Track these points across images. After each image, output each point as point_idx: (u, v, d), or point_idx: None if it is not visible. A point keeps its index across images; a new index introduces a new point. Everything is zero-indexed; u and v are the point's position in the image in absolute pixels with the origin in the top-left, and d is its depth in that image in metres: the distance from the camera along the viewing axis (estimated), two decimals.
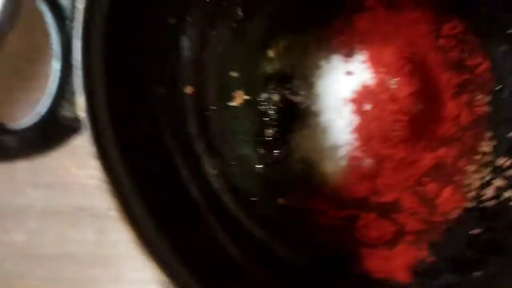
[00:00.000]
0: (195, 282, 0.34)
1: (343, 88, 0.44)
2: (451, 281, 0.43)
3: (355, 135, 0.44)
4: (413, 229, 0.45)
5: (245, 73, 0.46)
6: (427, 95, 0.44)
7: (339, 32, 0.46)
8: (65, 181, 0.52)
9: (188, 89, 0.44)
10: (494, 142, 0.46)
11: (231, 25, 0.46)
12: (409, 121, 0.43)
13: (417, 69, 0.43)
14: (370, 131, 0.43)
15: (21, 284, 0.51)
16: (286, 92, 0.46)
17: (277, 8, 0.46)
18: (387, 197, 0.45)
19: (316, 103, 0.46)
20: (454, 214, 0.45)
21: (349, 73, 0.44)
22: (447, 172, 0.45)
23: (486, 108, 0.46)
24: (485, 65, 0.46)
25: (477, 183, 0.46)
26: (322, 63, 0.46)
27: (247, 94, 0.46)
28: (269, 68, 0.47)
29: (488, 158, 0.46)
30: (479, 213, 0.45)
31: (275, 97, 0.47)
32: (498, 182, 0.45)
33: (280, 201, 0.46)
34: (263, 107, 0.47)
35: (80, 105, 0.32)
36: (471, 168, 0.46)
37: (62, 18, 0.33)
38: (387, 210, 0.45)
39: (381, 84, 0.43)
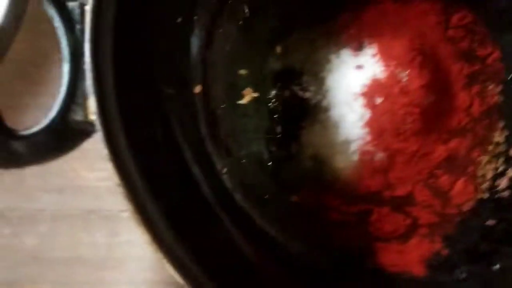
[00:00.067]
0: (210, 282, 0.34)
1: (354, 82, 0.44)
2: (466, 274, 0.43)
3: (367, 129, 0.44)
4: (427, 222, 0.45)
5: (253, 71, 0.46)
6: (438, 87, 0.43)
7: (347, 26, 0.46)
8: (75, 184, 0.52)
9: (197, 89, 0.44)
10: (506, 132, 0.46)
11: (238, 23, 0.45)
12: (420, 114, 0.42)
13: (427, 61, 0.43)
14: (382, 125, 0.43)
15: None
16: (296, 88, 0.46)
17: (284, 4, 0.46)
18: (400, 191, 0.45)
19: (326, 98, 0.45)
20: (468, 206, 0.45)
21: (359, 67, 0.44)
22: (460, 164, 0.45)
23: (497, 98, 0.46)
24: (496, 55, 0.45)
25: (490, 174, 0.45)
26: (332, 57, 0.46)
27: (256, 91, 0.46)
28: (278, 65, 0.46)
29: (501, 148, 0.46)
30: (493, 204, 0.45)
31: (285, 94, 0.46)
32: None
33: (293, 198, 0.46)
34: (272, 104, 0.46)
35: (91, 108, 0.32)
36: (484, 159, 0.45)
37: (70, 21, 0.33)
38: (400, 204, 0.45)
39: (392, 77, 0.42)
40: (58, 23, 0.32)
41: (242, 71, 0.46)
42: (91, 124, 0.32)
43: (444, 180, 0.45)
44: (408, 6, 0.45)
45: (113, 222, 0.51)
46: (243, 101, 0.46)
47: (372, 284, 0.44)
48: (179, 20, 0.43)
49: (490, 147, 0.46)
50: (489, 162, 0.46)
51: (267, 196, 0.45)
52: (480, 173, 0.45)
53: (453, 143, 0.45)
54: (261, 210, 0.45)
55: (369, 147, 0.44)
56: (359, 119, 0.44)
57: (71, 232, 0.51)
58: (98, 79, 0.32)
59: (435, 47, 0.45)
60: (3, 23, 0.30)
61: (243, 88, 0.46)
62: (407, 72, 0.42)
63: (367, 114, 0.43)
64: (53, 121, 0.34)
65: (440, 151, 0.44)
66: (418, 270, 0.43)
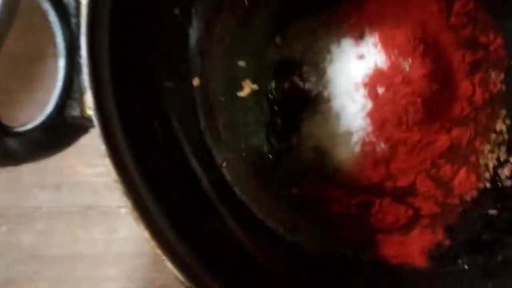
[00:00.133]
0: (210, 278, 0.34)
1: (355, 72, 0.43)
2: (468, 265, 0.43)
3: (368, 120, 0.43)
4: (429, 212, 0.45)
5: (253, 62, 0.45)
6: (440, 76, 0.43)
7: (348, 15, 0.45)
8: (72, 180, 0.51)
9: (196, 81, 0.44)
10: (509, 121, 0.46)
11: (237, 13, 0.45)
12: (423, 103, 0.42)
13: (429, 49, 0.43)
14: (384, 115, 0.43)
15: (31, 286, 0.51)
16: (296, 79, 0.46)
17: None
18: (402, 182, 0.45)
19: (327, 89, 0.45)
20: (470, 196, 0.45)
21: (360, 56, 0.44)
22: (462, 153, 0.45)
23: (500, 86, 0.45)
24: (498, 42, 0.45)
25: (492, 163, 0.45)
26: (332, 47, 0.45)
27: (255, 83, 0.45)
28: (278, 56, 0.46)
29: (503, 137, 0.46)
30: (495, 194, 0.45)
31: (285, 85, 0.46)
32: None
33: (294, 190, 0.45)
34: (272, 95, 0.46)
35: (87, 103, 0.31)
36: (487, 147, 0.45)
37: (65, 15, 0.32)
38: (402, 195, 0.45)
39: (394, 67, 0.42)
40: (53, 17, 0.32)
41: (241, 63, 0.45)
42: (88, 119, 0.32)
43: (446, 170, 0.45)
44: None
45: (111, 218, 0.51)
46: (243, 93, 0.45)
47: (374, 275, 0.44)
48: (177, 12, 0.42)
49: (493, 136, 0.45)
50: (491, 151, 0.45)
51: (267, 189, 0.45)
52: (482, 162, 0.45)
53: (455, 132, 0.44)
54: (261, 203, 0.44)
55: (371, 138, 0.44)
56: (361, 109, 0.43)
57: (68, 229, 0.51)
58: (94, 73, 0.31)
59: (437, 35, 0.44)
60: None
61: (243, 80, 0.45)
62: (409, 61, 0.42)
63: (369, 104, 0.43)
64: (49, 117, 0.33)
65: (443, 141, 0.44)
66: (420, 261, 0.43)
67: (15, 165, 0.34)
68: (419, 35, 0.43)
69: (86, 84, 0.31)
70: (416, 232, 0.44)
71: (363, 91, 0.43)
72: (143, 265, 0.50)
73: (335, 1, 0.45)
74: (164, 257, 0.32)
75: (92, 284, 0.51)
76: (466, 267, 0.43)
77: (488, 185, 0.45)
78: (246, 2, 0.45)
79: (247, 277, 0.39)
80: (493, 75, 0.45)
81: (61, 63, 0.32)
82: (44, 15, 0.32)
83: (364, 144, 0.44)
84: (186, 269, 0.33)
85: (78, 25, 0.31)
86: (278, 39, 0.46)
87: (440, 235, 0.44)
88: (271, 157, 0.46)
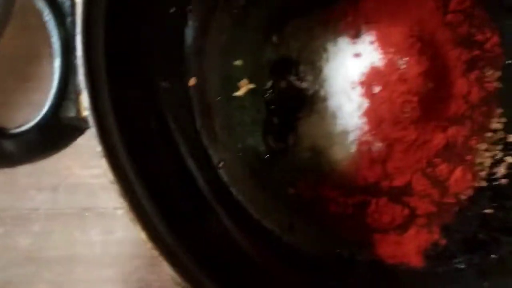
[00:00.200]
0: (207, 278, 0.34)
1: (351, 70, 0.43)
2: (463, 264, 0.43)
3: (365, 119, 0.43)
4: (425, 212, 0.45)
5: (249, 61, 0.45)
6: (436, 74, 0.43)
7: (345, 13, 0.45)
8: (68, 182, 0.51)
9: (192, 81, 0.44)
10: (504, 119, 0.45)
11: (233, 12, 0.45)
12: (419, 102, 0.42)
13: (426, 47, 0.42)
14: (380, 114, 0.43)
15: None
16: (292, 78, 0.46)
17: None
18: (398, 181, 0.45)
19: (323, 88, 0.45)
20: (466, 195, 0.45)
21: (357, 55, 0.44)
22: (458, 152, 0.45)
23: (496, 84, 0.45)
24: (494, 40, 0.45)
25: (488, 162, 0.45)
26: (329, 46, 0.45)
27: (252, 82, 0.45)
28: (274, 55, 0.46)
29: (499, 135, 0.45)
30: (491, 192, 0.45)
31: (281, 84, 0.46)
32: (510, 159, 0.45)
33: (291, 190, 0.45)
34: (269, 95, 0.46)
35: (83, 103, 0.31)
36: (482, 146, 0.45)
37: (61, 15, 0.32)
38: (398, 194, 0.45)
39: (390, 65, 0.42)
40: (48, 16, 0.32)
41: (238, 62, 0.45)
42: (84, 120, 0.32)
43: (442, 168, 0.45)
44: None
45: (107, 220, 0.51)
46: (239, 92, 0.45)
47: (370, 275, 0.44)
48: (173, 10, 0.42)
49: (488, 134, 0.45)
50: (487, 149, 0.45)
51: (264, 189, 0.45)
52: (478, 161, 0.45)
53: (451, 131, 0.44)
54: (258, 203, 0.44)
55: (367, 137, 0.44)
56: (357, 108, 0.43)
57: (65, 231, 0.51)
58: (90, 73, 0.31)
59: (434, 33, 0.44)
60: None
61: (239, 80, 0.45)
62: (405, 59, 0.42)
63: (365, 103, 0.43)
64: (45, 118, 0.33)
65: (439, 139, 0.44)
66: (416, 260, 0.43)
67: (12, 167, 0.34)
68: (415, 33, 0.43)
69: (82, 85, 0.31)
70: (412, 231, 0.44)
71: (359, 90, 0.43)
72: (140, 266, 0.50)
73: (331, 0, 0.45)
74: (160, 257, 0.32)
75: (90, 286, 0.51)
76: (462, 266, 0.43)
77: (484, 184, 0.45)
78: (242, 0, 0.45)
79: (244, 277, 0.39)
80: (489, 73, 0.45)
81: (57, 63, 0.32)
82: (39, 15, 0.32)
83: (360, 143, 0.44)
84: (183, 269, 0.33)
85: (73, 24, 0.30)
86: (274, 38, 0.46)
87: (436, 235, 0.44)
88: (267, 157, 0.46)
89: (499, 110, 0.45)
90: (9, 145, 0.33)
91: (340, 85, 0.44)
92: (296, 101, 0.46)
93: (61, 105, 0.33)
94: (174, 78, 0.42)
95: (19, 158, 0.34)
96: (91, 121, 0.31)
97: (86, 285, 0.51)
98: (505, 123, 0.45)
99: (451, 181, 0.45)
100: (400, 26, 0.43)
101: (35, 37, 0.49)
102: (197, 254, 0.34)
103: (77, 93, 0.31)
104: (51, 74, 0.32)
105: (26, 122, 0.33)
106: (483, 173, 0.45)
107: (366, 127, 0.43)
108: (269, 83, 0.46)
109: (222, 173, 0.44)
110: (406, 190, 0.45)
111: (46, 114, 0.33)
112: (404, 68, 0.42)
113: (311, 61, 0.45)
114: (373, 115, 0.43)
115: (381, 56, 0.42)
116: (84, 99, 0.31)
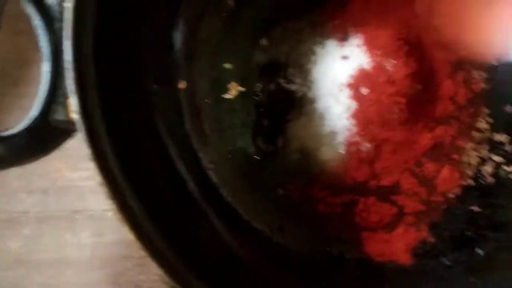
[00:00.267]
0: (196, 279, 0.34)
1: (339, 73, 0.44)
2: (451, 262, 0.44)
3: (353, 121, 0.44)
4: (413, 210, 0.45)
5: (238, 64, 0.45)
6: (424, 76, 0.43)
7: (332, 16, 0.45)
8: (58, 185, 0.51)
9: (182, 84, 0.44)
10: (491, 119, 0.46)
11: (222, 15, 0.45)
12: (407, 103, 0.42)
13: (413, 49, 0.43)
14: (368, 116, 0.43)
15: None
16: (281, 81, 0.46)
17: None
18: (386, 180, 0.45)
19: (312, 90, 0.45)
20: (454, 193, 0.45)
21: (344, 57, 0.44)
22: (446, 152, 0.45)
23: (482, 85, 0.46)
24: None
25: (475, 161, 0.46)
26: (317, 48, 0.45)
27: (241, 85, 0.45)
28: (263, 58, 0.46)
29: (485, 135, 0.46)
30: (478, 191, 0.45)
31: (270, 87, 0.46)
32: (496, 158, 0.45)
33: (280, 192, 0.45)
34: (258, 97, 0.46)
35: (72, 106, 0.31)
36: (470, 145, 0.46)
37: (50, 19, 0.32)
38: (386, 193, 0.45)
39: (378, 67, 0.42)
40: (37, 21, 0.32)
41: (227, 65, 0.45)
42: (72, 123, 0.31)
43: (430, 168, 0.45)
44: None
45: (98, 222, 0.51)
46: (229, 95, 0.45)
47: (359, 273, 0.44)
48: (162, 14, 0.42)
49: (475, 134, 0.46)
50: (474, 148, 0.46)
51: (253, 190, 0.45)
52: (465, 160, 0.46)
53: (439, 131, 0.45)
54: (247, 204, 0.45)
55: (356, 138, 0.44)
56: (345, 110, 0.44)
57: (56, 234, 0.51)
58: (78, 77, 0.31)
59: (421, 35, 0.44)
60: None
61: (229, 82, 0.45)
62: (393, 61, 0.42)
63: (353, 105, 0.43)
64: (34, 121, 0.33)
65: (426, 140, 0.45)
66: (405, 258, 0.44)
67: (1, 170, 0.34)
68: (403, 35, 0.43)
69: (71, 88, 0.30)
70: (400, 230, 0.44)
71: (347, 92, 0.43)
72: (130, 268, 0.50)
73: (319, 2, 0.46)
74: (149, 258, 0.32)
75: None
76: (450, 263, 0.44)
77: (471, 182, 0.45)
78: (232, 3, 0.45)
79: (233, 277, 0.39)
80: (475, 74, 0.46)
81: (46, 67, 0.32)
82: (30, 20, 0.32)
83: (348, 144, 0.44)
84: (171, 270, 0.32)
85: (62, 29, 0.30)
86: (263, 41, 0.46)
87: (424, 233, 0.44)
88: (257, 158, 0.46)
89: (486, 111, 0.46)
90: None
91: (328, 87, 0.44)
92: (285, 103, 0.46)
93: (50, 108, 0.33)
94: (163, 81, 0.42)
95: (9, 160, 0.33)
96: (79, 124, 0.31)
97: (77, 287, 0.51)
98: (491, 123, 0.46)
99: (439, 180, 0.45)
100: (387, 29, 0.43)
101: (26, 42, 0.48)
102: (186, 255, 0.34)
103: (66, 97, 0.31)
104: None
105: (16, 125, 0.33)
106: (470, 172, 0.46)
107: (355, 129, 0.44)
108: (259, 86, 0.46)
109: (212, 175, 0.44)
110: (394, 189, 0.45)
111: (35, 117, 0.33)
112: (392, 70, 0.42)
113: (300, 64, 0.46)
114: (361, 117, 0.43)
115: (369, 59, 0.43)
116: (73, 102, 0.31)
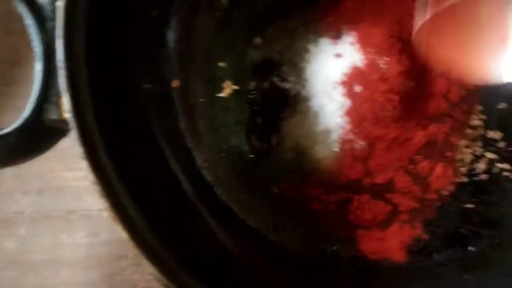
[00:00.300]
0: (190, 277, 0.34)
1: (333, 71, 0.44)
2: (445, 259, 0.44)
3: (347, 118, 0.44)
4: (407, 208, 0.45)
5: (232, 63, 0.45)
6: (417, 73, 0.43)
7: (326, 14, 0.45)
8: (53, 185, 0.51)
9: (175, 83, 0.44)
10: (484, 116, 0.46)
11: (215, 14, 0.45)
12: (400, 101, 0.42)
13: (406, 47, 0.43)
14: (362, 113, 0.43)
15: None
16: (275, 79, 0.46)
17: None
18: (380, 178, 0.45)
19: (305, 88, 0.45)
20: (447, 190, 0.45)
21: (338, 55, 0.44)
22: (439, 149, 0.45)
23: None
24: None
25: (469, 158, 0.46)
26: (310, 46, 0.45)
27: (235, 84, 0.45)
28: (257, 56, 0.46)
29: (479, 132, 0.46)
30: (471, 188, 0.46)
31: (264, 85, 0.46)
32: (490, 155, 0.46)
33: (274, 190, 0.45)
34: (252, 96, 0.46)
35: (65, 106, 0.31)
36: (463, 143, 0.46)
37: (42, 18, 0.32)
38: (380, 191, 0.45)
39: (371, 65, 0.42)
40: (29, 20, 0.31)
41: (221, 64, 0.45)
42: (66, 122, 0.31)
43: (423, 165, 0.45)
44: None
45: (93, 222, 0.51)
46: (223, 94, 0.45)
47: (354, 271, 0.44)
48: (155, 13, 0.42)
49: (469, 131, 0.46)
50: (467, 146, 0.46)
51: (248, 189, 0.45)
52: (458, 157, 0.46)
53: (432, 128, 0.45)
54: (242, 203, 0.45)
55: (350, 136, 0.44)
56: (339, 108, 0.44)
57: (51, 234, 0.51)
58: (71, 76, 0.31)
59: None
60: None
61: (223, 81, 0.45)
62: (386, 59, 0.42)
63: (347, 103, 0.43)
64: (27, 120, 0.33)
65: (420, 137, 0.45)
66: (399, 256, 0.44)
67: None
68: (396, 33, 0.43)
69: (63, 87, 0.30)
70: (395, 227, 0.45)
71: (341, 90, 0.43)
72: (125, 268, 0.50)
73: (313, 0, 0.46)
74: (142, 256, 0.32)
75: None
76: (444, 260, 0.44)
77: (465, 179, 0.46)
78: (225, 1, 0.45)
79: (228, 276, 0.39)
80: None
81: (38, 66, 0.32)
82: (21, 19, 0.32)
83: (342, 142, 0.44)
84: (165, 269, 0.32)
85: (54, 28, 0.30)
86: (257, 40, 0.46)
87: (419, 230, 0.45)
88: (251, 157, 0.46)
89: (479, 108, 0.46)
90: None
91: (322, 85, 0.44)
92: (279, 101, 0.46)
93: (43, 107, 0.32)
94: (157, 80, 0.42)
95: (3, 160, 0.33)
96: (72, 123, 0.31)
97: (72, 287, 0.51)
98: (484, 120, 0.46)
99: (433, 178, 0.45)
100: (380, 27, 0.43)
101: (18, 41, 0.49)
102: (181, 254, 0.34)
103: (59, 96, 0.31)
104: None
105: (9, 125, 0.33)
106: (463, 169, 0.46)
107: (348, 126, 0.44)
108: (253, 84, 0.46)
109: (206, 173, 0.44)
110: (388, 187, 0.45)
111: (28, 117, 0.33)
112: (385, 68, 0.42)
113: (293, 62, 0.46)
114: (355, 114, 0.43)
115: (362, 56, 0.43)
116: (65, 102, 0.31)
